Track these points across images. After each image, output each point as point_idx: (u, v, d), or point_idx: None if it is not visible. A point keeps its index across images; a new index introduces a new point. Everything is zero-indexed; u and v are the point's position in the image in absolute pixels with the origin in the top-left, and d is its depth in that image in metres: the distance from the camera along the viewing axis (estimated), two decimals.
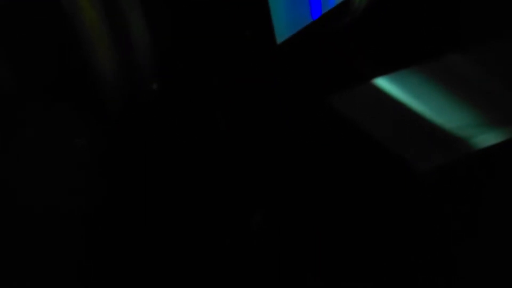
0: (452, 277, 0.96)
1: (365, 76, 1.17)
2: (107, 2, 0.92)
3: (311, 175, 1.09)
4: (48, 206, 0.99)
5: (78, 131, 0.97)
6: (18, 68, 0.93)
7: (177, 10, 0.98)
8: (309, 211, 1.05)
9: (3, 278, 0.93)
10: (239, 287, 0.99)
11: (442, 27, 1.20)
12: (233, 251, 1.01)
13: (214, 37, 1.00)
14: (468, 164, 1.03)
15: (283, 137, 1.12)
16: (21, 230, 0.97)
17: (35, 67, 0.93)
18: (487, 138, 1.04)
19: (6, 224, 0.96)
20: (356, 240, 1.01)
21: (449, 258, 0.98)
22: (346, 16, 1.15)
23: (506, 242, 0.97)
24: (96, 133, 0.98)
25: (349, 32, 1.18)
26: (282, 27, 1.04)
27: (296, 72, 1.13)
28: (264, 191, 1.08)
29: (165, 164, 1.04)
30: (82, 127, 0.95)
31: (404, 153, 1.05)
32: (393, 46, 1.20)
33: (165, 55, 0.97)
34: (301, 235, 1.03)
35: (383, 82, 1.17)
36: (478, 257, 0.97)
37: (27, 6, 0.89)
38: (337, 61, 1.19)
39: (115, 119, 0.97)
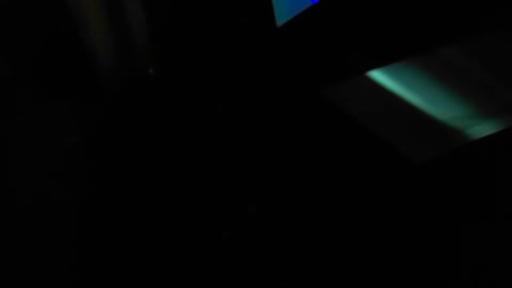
0: (452, 269, 0.96)
1: (360, 68, 1.17)
2: None
3: (307, 168, 1.09)
4: (41, 199, 0.98)
5: (74, 119, 0.96)
6: (12, 53, 0.92)
7: None
8: (305, 203, 1.05)
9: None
10: (236, 279, 0.98)
11: (436, 20, 1.20)
12: (230, 243, 1.00)
13: (211, 23, 0.99)
14: (463, 155, 1.03)
15: (279, 130, 1.12)
16: (16, 226, 0.96)
17: (29, 53, 0.92)
18: (481, 129, 1.04)
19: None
20: (351, 232, 1.01)
21: (447, 249, 0.98)
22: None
23: (504, 232, 0.98)
24: (93, 117, 0.97)
25: (344, 25, 1.18)
26: (282, 10, 1.03)
27: (292, 63, 1.13)
28: (261, 182, 1.07)
29: (161, 153, 1.03)
30: (79, 112, 0.94)
31: (399, 145, 1.05)
32: (388, 39, 1.20)
33: (162, 40, 0.97)
34: (297, 227, 1.03)
35: (377, 75, 1.17)
36: (477, 246, 0.97)
37: None
38: (332, 53, 1.19)
39: (111, 104, 0.96)
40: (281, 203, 1.05)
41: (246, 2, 1.00)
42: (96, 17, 0.91)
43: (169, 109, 1.04)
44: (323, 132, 1.12)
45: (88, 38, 0.91)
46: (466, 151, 1.03)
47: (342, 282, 0.96)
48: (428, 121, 1.08)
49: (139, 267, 0.98)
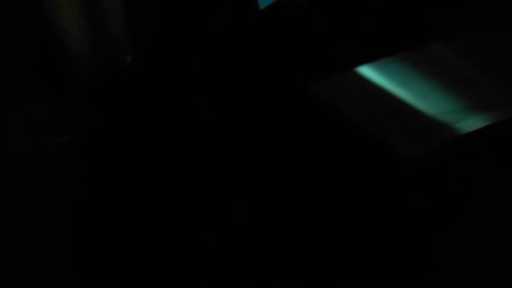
0: (444, 264, 0.96)
1: (348, 64, 1.18)
2: None
3: (296, 165, 1.08)
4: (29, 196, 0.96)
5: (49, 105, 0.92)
6: None
7: None
8: (295, 201, 1.04)
9: None
10: (225, 279, 0.97)
11: (424, 16, 1.21)
12: (217, 243, 0.99)
13: (194, 8, 0.96)
14: (453, 149, 1.04)
15: (266, 126, 1.11)
16: (6, 228, 0.94)
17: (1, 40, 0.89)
18: (471, 123, 1.05)
19: None
20: (343, 229, 1.01)
21: (439, 245, 0.98)
22: None
23: (496, 226, 0.99)
24: (69, 107, 0.94)
25: (332, 19, 1.18)
26: None
27: (278, 58, 1.12)
28: (248, 180, 1.06)
29: (142, 149, 1.01)
30: (54, 100, 0.91)
31: (389, 140, 1.05)
32: (376, 35, 1.21)
33: (140, 25, 0.93)
34: (286, 225, 1.02)
35: (366, 70, 1.17)
36: (469, 242, 0.98)
37: None
38: (320, 49, 1.19)
39: (87, 92, 0.93)
40: (270, 202, 1.04)
41: None
42: (71, 2, 0.86)
43: (148, 101, 1.02)
44: (311, 129, 1.11)
45: (59, 24, 0.86)
46: (456, 145, 1.04)
47: (335, 282, 0.96)
48: (417, 116, 1.09)
49: (128, 268, 0.96)
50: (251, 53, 1.09)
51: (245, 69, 1.11)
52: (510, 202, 1.00)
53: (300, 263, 0.97)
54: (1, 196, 0.96)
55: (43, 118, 1.00)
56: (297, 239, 0.99)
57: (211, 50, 1.06)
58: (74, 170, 1.03)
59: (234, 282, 0.95)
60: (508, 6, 1.23)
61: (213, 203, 1.03)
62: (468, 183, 1.03)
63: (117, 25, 0.90)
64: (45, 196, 0.99)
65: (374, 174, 1.04)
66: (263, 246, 0.98)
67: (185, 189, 1.04)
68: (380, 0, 1.18)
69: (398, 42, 1.19)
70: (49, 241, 0.96)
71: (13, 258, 0.94)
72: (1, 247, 0.94)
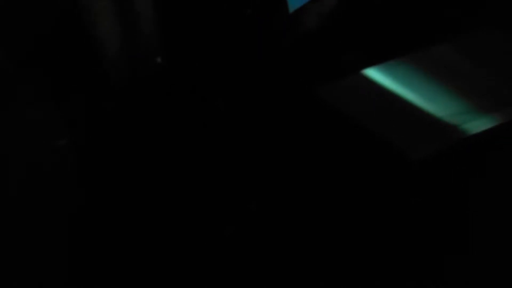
0: (447, 265, 0.96)
1: (354, 67, 1.18)
2: None
3: (304, 166, 1.09)
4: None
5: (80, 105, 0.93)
6: (13, 45, 0.89)
7: None
8: (303, 201, 1.05)
9: None
10: (236, 278, 0.97)
11: (430, 17, 1.21)
12: (232, 241, 1.00)
13: (219, 13, 0.96)
14: (460, 150, 1.04)
15: (277, 128, 1.12)
16: (5, 230, 0.95)
17: (33, 41, 0.89)
18: (477, 124, 1.06)
19: None
20: (349, 230, 1.01)
21: (444, 244, 0.99)
22: None
23: (500, 228, 0.99)
24: (100, 106, 0.94)
25: (338, 23, 1.19)
26: None
27: (286, 63, 1.13)
28: (259, 180, 1.07)
29: (162, 148, 1.02)
30: (86, 99, 0.92)
31: (396, 143, 1.05)
32: (382, 37, 1.21)
33: (169, 28, 0.94)
34: (295, 224, 1.02)
35: (372, 73, 1.18)
36: (475, 245, 0.98)
37: None
38: (326, 52, 1.19)
39: (119, 92, 0.93)
40: (279, 201, 1.05)
41: None
42: (102, 4, 0.88)
43: (178, 102, 1.02)
44: (319, 131, 1.12)
45: (93, 27, 0.88)
46: (462, 146, 1.05)
47: (342, 280, 0.96)
48: (424, 117, 1.09)
49: (139, 267, 0.97)
50: (272, 57, 1.10)
51: (260, 73, 1.12)
52: None
53: (305, 262, 0.97)
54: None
55: (47, 119, 1.01)
56: (303, 238, 1.00)
57: (235, 52, 1.07)
58: (84, 171, 1.03)
59: (239, 281, 0.95)
60: None
61: (228, 199, 1.04)
62: (475, 185, 1.03)
63: (148, 29, 0.91)
64: (45, 197, 0.99)
65: (381, 175, 1.04)
66: (271, 245, 0.99)
67: (194, 188, 1.05)
68: (382, 2, 1.19)
69: (404, 44, 1.20)
70: (49, 242, 0.97)
71: (12, 259, 0.94)
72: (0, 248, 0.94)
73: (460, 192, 1.03)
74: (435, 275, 0.95)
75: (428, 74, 1.16)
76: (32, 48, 0.89)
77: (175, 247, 0.99)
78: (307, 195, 1.05)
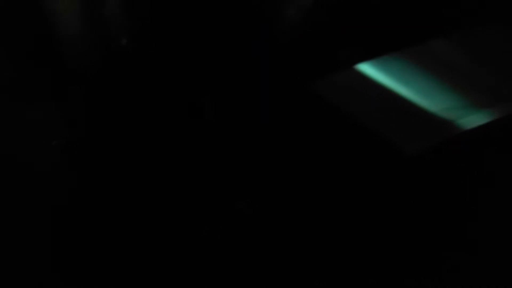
0: (442, 261, 0.96)
1: (350, 61, 1.17)
2: None
3: (297, 161, 1.08)
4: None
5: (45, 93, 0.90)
6: None
7: None
8: (296, 197, 1.04)
9: None
10: (221, 275, 0.97)
11: (425, 13, 1.21)
12: (216, 240, 0.99)
13: None
14: (454, 145, 1.04)
15: (268, 124, 1.11)
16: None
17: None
18: (471, 120, 1.05)
19: None
20: (342, 224, 1.01)
21: (437, 239, 0.98)
22: None
23: (496, 221, 0.98)
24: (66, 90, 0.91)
25: (332, 19, 1.18)
26: None
27: (281, 58, 1.12)
28: (250, 177, 1.06)
29: (138, 139, 1.00)
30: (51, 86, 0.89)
31: (391, 137, 1.05)
32: (377, 32, 1.20)
33: (136, 6, 0.90)
34: (288, 221, 1.02)
35: (367, 68, 1.17)
36: (470, 236, 0.98)
37: None
38: (322, 47, 1.19)
39: (82, 76, 0.90)
40: (271, 198, 1.04)
41: None
42: None
43: (146, 89, 0.99)
44: (313, 126, 1.11)
45: (54, 8, 0.84)
46: (456, 142, 1.04)
47: (336, 279, 0.96)
48: (418, 112, 1.09)
49: (125, 266, 0.96)
50: (256, 51, 1.09)
51: (249, 69, 1.11)
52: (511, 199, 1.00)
53: (299, 259, 0.97)
54: None
55: (40, 118, 0.99)
56: (297, 234, 0.99)
57: (211, 37, 1.04)
58: (72, 168, 1.02)
59: (231, 278, 0.95)
60: (508, 2, 1.23)
61: (214, 199, 1.03)
62: (469, 180, 1.03)
63: (112, 7, 0.87)
64: (42, 196, 0.98)
65: (375, 170, 1.04)
66: (264, 241, 0.98)
67: (185, 185, 1.04)
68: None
69: (399, 39, 1.19)
70: (44, 240, 0.96)
71: (9, 259, 0.93)
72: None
73: (456, 187, 1.02)
74: (433, 272, 0.94)
75: (424, 69, 1.15)
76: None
77: (163, 245, 0.99)
78: (302, 190, 1.05)
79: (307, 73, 1.17)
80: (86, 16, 0.85)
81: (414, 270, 0.95)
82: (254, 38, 1.08)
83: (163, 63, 0.98)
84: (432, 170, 1.03)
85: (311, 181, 1.05)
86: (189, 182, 1.04)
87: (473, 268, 0.94)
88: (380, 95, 1.13)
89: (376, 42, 1.19)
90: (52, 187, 1.01)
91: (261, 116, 1.08)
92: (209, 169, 1.06)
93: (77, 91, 0.92)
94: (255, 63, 1.09)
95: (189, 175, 1.04)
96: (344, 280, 0.94)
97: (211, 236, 0.99)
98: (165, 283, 0.94)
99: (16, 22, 0.89)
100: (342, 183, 1.04)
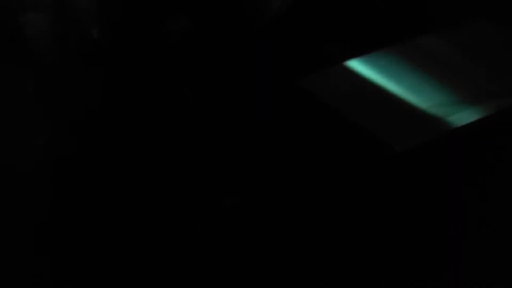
0: (433, 256, 0.95)
1: (339, 57, 1.16)
2: None
3: (285, 158, 1.07)
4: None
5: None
6: None
7: None
8: (284, 194, 1.03)
9: None
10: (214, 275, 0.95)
11: (415, 9, 1.21)
12: (204, 235, 0.97)
13: None
14: (444, 142, 1.03)
15: (256, 120, 1.10)
16: None
17: None
18: (462, 117, 1.04)
19: None
20: (332, 222, 1.00)
21: (429, 237, 0.97)
22: None
23: (487, 218, 0.98)
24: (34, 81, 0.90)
25: (321, 14, 1.17)
26: None
27: (268, 54, 1.11)
28: (237, 174, 1.05)
29: (119, 135, 0.99)
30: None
31: (380, 133, 1.04)
32: (366, 28, 1.20)
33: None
34: (275, 220, 1.01)
35: (356, 64, 1.16)
36: (461, 235, 0.97)
37: None
38: (310, 43, 1.18)
39: (53, 67, 0.89)
40: (259, 195, 1.03)
41: None
42: None
43: (119, 83, 0.98)
44: (301, 122, 1.10)
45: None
46: (447, 139, 1.03)
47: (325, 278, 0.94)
48: (408, 109, 1.08)
49: (112, 264, 0.95)
50: (241, 47, 1.08)
51: (235, 64, 1.10)
52: (503, 196, 0.99)
53: (288, 257, 0.95)
54: None
55: (22, 118, 0.98)
56: (286, 232, 0.98)
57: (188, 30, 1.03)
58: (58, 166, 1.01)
59: (221, 275, 0.93)
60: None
61: (202, 196, 1.02)
62: (459, 177, 1.02)
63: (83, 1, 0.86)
64: (22, 196, 0.97)
65: (364, 167, 1.03)
66: (251, 237, 0.97)
67: (173, 182, 1.03)
68: None
69: (388, 35, 1.19)
70: (24, 240, 0.95)
71: (6, 259, 0.92)
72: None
73: (445, 184, 1.01)
74: (425, 272, 0.93)
75: (414, 65, 1.15)
76: None
77: (154, 241, 0.97)
78: (290, 188, 1.03)
79: (296, 69, 1.16)
80: (58, 10, 0.84)
81: (406, 269, 0.94)
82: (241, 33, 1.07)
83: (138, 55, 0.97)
84: (423, 167, 1.02)
85: (300, 178, 1.04)
86: (179, 176, 1.03)
87: (463, 267, 0.93)
88: (369, 91, 1.12)
89: (365, 38, 1.19)
90: (32, 187, 0.99)
91: (255, 114, 1.07)
92: (197, 165, 1.05)
93: (52, 84, 0.90)
94: (243, 59, 1.08)
95: (178, 170, 1.03)
96: (336, 279, 0.93)
97: (204, 231, 0.97)
98: (159, 279, 0.93)
99: None
100: (332, 180, 1.03)
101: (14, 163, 1.00)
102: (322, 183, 1.03)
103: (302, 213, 1.01)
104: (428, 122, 1.05)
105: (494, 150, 1.04)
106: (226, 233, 0.98)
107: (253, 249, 0.96)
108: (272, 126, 1.10)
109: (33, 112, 0.99)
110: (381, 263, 0.95)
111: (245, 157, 1.07)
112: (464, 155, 1.03)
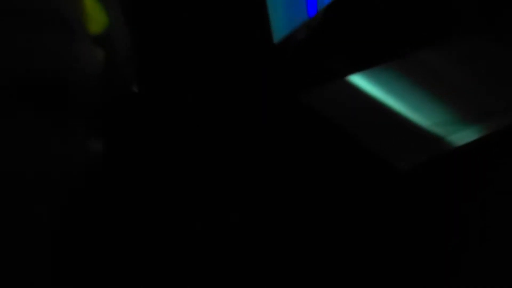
0: (440, 274, 0.96)
1: (339, 73, 1.16)
2: None
3: (287, 175, 1.07)
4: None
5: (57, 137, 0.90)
6: None
7: (161, 8, 0.93)
8: (287, 211, 1.03)
9: None
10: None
11: (416, 23, 1.20)
12: (206, 242, 0.97)
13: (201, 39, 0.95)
14: (447, 161, 1.04)
15: (258, 136, 1.09)
16: None
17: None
18: (465, 135, 1.04)
19: None
20: (334, 240, 1.00)
21: (432, 255, 0.98)
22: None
23: (492, 236, 0.98)
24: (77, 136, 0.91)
25: (322, 29, 1.16)
26: (279, 25, 1.00)
27: (272, 69, 1.10)
28: (241, 189, 1.05)
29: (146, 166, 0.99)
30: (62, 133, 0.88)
31: (382, 151, 1.04)
32: (367, 43, 1.19)
33: (145, 55, 0.91)
34: (278, 234, 1.01)
35: (357, 79, 1.16)
36: (465, 252, 0.98)
37: None
38: (311, 57, 1.17)
39: (95, 123, 0.90)
40: (262, 210, 1.03)
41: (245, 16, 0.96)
42: None
43: (155, 127, 1.00)
44: (302, 138, 1.10)
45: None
46: (450, 157, 1.04)
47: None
48: (411, 126, 1.08)
49: (112, 264, 0.95)
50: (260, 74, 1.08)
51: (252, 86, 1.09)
52: (505, 215, 1.00)
53: (291, 273, 0.96)
54: None
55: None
56: (289, 249, 0.98)
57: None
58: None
59: (224, 274, 0.93)
60: (498, 13, 1.22)
61: (206, 211, 1.01)
62: (462, 197, 1.02)
63: (123, 54, 0.87)
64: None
65: (366, 184, 1.03)
66: (256, 251, 0.97)
67: (178, 195, 1.02)
68: (375, 7, 1.17)
69: (390, 50, 1.18)
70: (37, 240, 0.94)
71: (6, 259, 0.91)
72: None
73: (448, 204, 1.02)
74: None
75: (415, 81, 1.14)
76: None
77: (154, 243, 0.97)
78: (291, 205, 1.03)
79: (296, 83, 1.15)
80: (97, 60, 0.84)
81: (407, 284, 0.95)
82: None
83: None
84: (424, 185, 1.02)
85: (300, 195, 1.04)
86: (180, 179, 1.02)
87: (463, 283, 0.94)
88: (370, 107, 1.12)
89: (366, 53, 1.18)
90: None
91: (256, 128, 1.07)
92: (198, 177, 1.04)
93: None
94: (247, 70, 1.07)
95: (182, 183, 1.03)
96: None
97: (204, 233, 0.97)
98: (159, 279, 0.93)
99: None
100: (331, 196, 1.03)
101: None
102: (323, 200, 1.03)
103: (301, 229, 1.01)
104: (431, 140, 1.05)
105: (496, 168, 1.05)
106: (229, 240, 0.98)
107: (252, 261, 0.97)
108: (272, 140, 1.10)
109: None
110: (382, 278, 0.96)
111: (244, 172, 1.06)
112: (465, 172, 1.04)
